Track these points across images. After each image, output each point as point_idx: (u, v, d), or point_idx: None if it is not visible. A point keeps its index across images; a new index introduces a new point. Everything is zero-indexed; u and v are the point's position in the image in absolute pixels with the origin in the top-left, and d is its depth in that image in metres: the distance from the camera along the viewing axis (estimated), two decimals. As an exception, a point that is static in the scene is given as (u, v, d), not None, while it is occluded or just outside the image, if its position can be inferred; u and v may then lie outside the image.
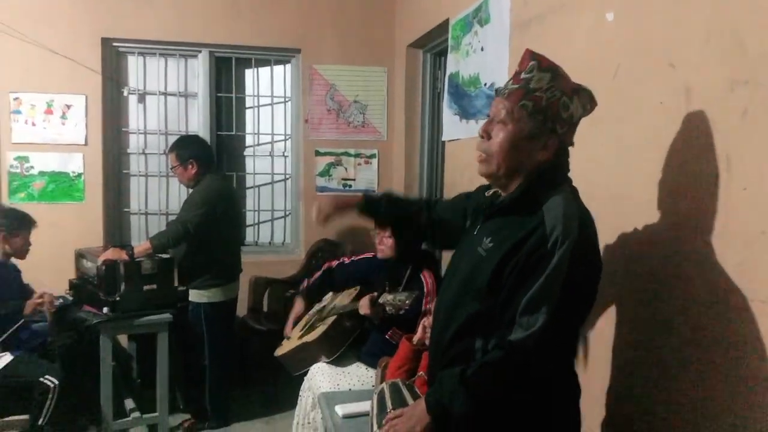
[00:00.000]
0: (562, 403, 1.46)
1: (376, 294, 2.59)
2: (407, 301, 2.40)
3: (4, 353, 3.09)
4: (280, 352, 3.00)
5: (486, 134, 1.46)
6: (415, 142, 4.24)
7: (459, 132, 3.27)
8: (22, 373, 3.04)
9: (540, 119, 1.39)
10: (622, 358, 1.77)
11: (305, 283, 3.11)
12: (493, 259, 1.40)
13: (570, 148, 1.48)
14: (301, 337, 2.89)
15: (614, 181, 1.83)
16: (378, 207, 1.85)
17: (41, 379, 3.00)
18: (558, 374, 1.43)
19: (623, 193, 1.78)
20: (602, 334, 1.82)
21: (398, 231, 1.93)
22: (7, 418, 3.08)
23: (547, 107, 1.39)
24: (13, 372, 3.02)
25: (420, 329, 2.05)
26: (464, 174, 3.19)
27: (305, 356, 2.85)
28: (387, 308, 2.47)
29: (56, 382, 3.01)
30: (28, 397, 3.04)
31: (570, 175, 1.50)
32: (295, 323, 3.10)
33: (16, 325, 3.11)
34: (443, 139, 3.57)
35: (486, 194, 1.57)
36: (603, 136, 1.86)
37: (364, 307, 2.62)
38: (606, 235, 1.76)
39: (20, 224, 3.30)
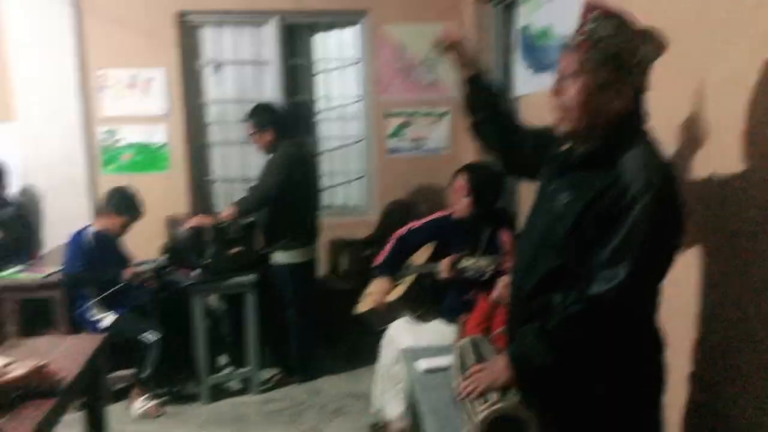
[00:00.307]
0: (645, 356, 1.46)
1: (456, 257, 2.59)
2: (489, 267, 2.40)
3: (108, 312, 3.36)
4: (362, 308, 3.08)
5: (558, 92, 1.45)
6: (487, 98, 4.18)
7: (532, 86, 3.21)
8: (127, 330, 3.29)
9: (611, 66, 1.37)
10: (708, 312, 1.74)
11: (379, 258, 3.11)
12: (571, 213, 1.40)
13: (648, 98, 1.44)
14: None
15: (698, 130, 1.76)
16: (486, 88, 1.81)
17: (143, 335, 3.26)
18: (640, 327, 1.43)
19: (707, 142, 1.72)
20: (687, 287, 1.79)
21: (482, 133, 1.84)
22: (115, 373, 3.36)
23: (616, 54, 1.36)
24: (119, 329, 3.28)
25: (499, 287, 2.07)
26: (539, 129, 3.14)
27: (388, 313, 2.92)
28: (468, 273, 2.49)
29: (157, 337, 3.26)
30: (132, 353, 3.30)
31: (650, 124, 1.46)
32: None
33: (116, 287, 3.34)
34: (516, 94, 3.51)
35: (562, 148, 1.55)
36: (686, 82, 1.78)
37: (444, 270, 2.63)
38: (688, 185, 1.71)
39: (116, 207, 3.47)
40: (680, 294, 1.76)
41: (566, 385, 1.44)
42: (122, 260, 3.53)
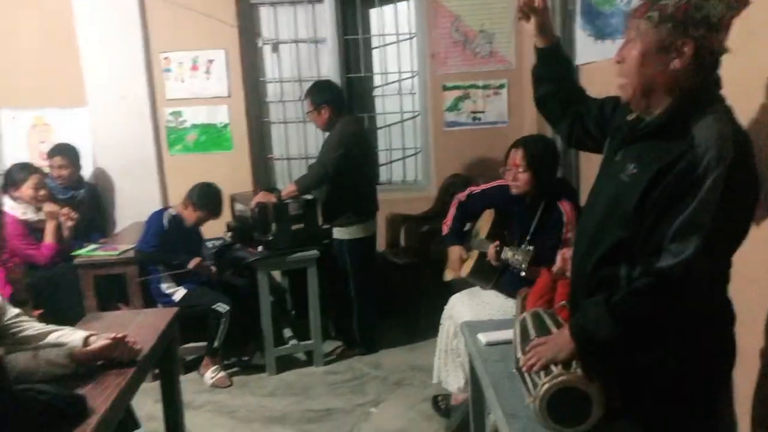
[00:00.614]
0: (714, 329, 1.42)
1: (499, 245, 2.61)
2: (523, 264, 2.43)
3: (179, 287, 3.50)
4: (447, 277, 3.11)
5: (621, 59, 1.43)
6: (547, 68, 4.07)
7: (594, 54, 3.11)
8: (198, 302, 3.45)
9: (669, 26, 1.32)
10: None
11: (445, 229, 3.10)
12: (639, 185, 1.37)
13: (722, 62, 1.38)
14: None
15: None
16: (560, 60, 1.78)
17: (214, 306, 3.40)
18: (709, 300, 1.39)
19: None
20: (759, 258, 1.72)
21: (548, 105, 1.81)
22: (186, 345, 3.52)
23: (674, 13, 1.32)
24: (190, 302, 3.43)
25: (559, 259, 2.04)
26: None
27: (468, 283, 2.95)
28: (510, 262, 2.51)
29: (227, 308, 3.39)
30: (203, 325, 3.44)
31: (723, 90, 1.40)
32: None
33: (183, 270, 3.49)
34: (576, 62, 3.41)
35: (627, 118, 1.51)
36: (763, 46, 1.69)
37: (491, 257, 2.65)
38: (764, 155, 1.63)
39: (196, 201, 3.55)
40: (750, 266, 1.70)
41: (631, 359, 1.42)
42: (195, 244, 3.66)
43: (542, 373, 1.44)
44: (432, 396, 3.10)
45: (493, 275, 2.79)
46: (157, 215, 3.56)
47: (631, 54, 1.38)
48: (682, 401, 1.41)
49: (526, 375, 1.50)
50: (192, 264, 3.46)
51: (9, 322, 1.93)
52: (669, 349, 1.39)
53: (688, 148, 1.29)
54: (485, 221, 2.95)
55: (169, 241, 3.48)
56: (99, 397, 1.69)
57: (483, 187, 3.05)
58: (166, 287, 3.51)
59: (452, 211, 3.07)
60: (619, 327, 1.36)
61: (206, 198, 3.54)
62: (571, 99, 1.77)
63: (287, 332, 3.86)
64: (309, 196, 3.61)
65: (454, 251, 3.00)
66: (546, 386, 1.39)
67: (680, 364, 1.39)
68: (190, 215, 3.56)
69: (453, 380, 2.82)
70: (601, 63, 3.00)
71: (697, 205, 1.26)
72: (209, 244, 3.79)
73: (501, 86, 4.44)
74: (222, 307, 3.40)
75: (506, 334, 1.96)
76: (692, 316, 1.36)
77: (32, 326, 1.96)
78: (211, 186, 3.62)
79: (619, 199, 1.43)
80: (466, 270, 2.85)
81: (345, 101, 3.83)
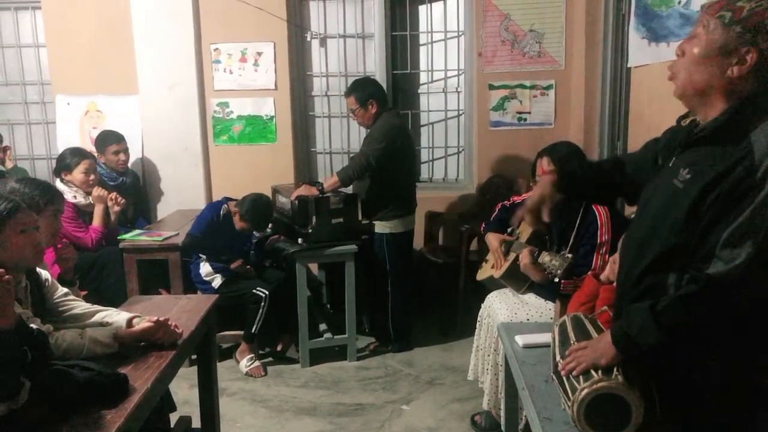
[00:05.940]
0: (764, 340, 1.37)
1: (534, 249, 2.58)
2: (559, 271, 2.40)
3: (216, 275, 3.56)
4: (481, 276, 3.10)
5: (681, 52, 1.39)
6: (597, 69, 4.01)
7: (647, 57, 3.04)
8: (237, 287, 3.51)
9: (737, 30, 1.28)
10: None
11: (483, 225, 3.09)
12: (692, 191, 1.33)
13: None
14: (492, 267, 2.96)
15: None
16: (576, 182, 1.79)
17: (254, 290, 3.46)
18: (760, 310, 1.34)
19: None
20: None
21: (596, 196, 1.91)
22: (223, 333, 3.58)
23: (747, 17, 1.28)
24: (228, 288, 3.49)
25: (609, 267, 2.01)
26: (652, 103, 2.98)
27: (499, 284, 2.92)
28: (545, 268, 2.48)
29: (266, 292, 3.45)
30: (240, 312, 3.50)
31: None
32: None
33: (224, 264, 3.57)
34: (629, 65, 3.34)
35: (681, 123, 1.49)
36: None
37: (523, 260, 2.61)
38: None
39: (243, 213, 3.56)
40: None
41: (674, 367, 1.39)
42: (243, 242, 3.73)
43: (581, 378, 1.42)
44: (470, 416, 3.00)
45: (525, 280, 2.77)
46: (216, 206, 3.64)
47: (692, 50, 1.35)
48: (726, 412, 1.36)
49: (564, 379, 1.47)
50: (234, 265, 3.55)
51: (58, 300, 1.99)
52: (715, 357, 1.35)
53: (746, 154, 1.26)
54: (526, 227, 2.92)
55: (220, 232, 3.55)
56: (140, 377, 1.73)
57: (524, 195, 3.03)
58: (205, 274, 3.57)
59: (494, 214, 3.08)
60: (664, 334, 1.33)
61: (252, 213, 3.56)
62: (611, 178, 1.75)
63: (322, 326, 3.88)
64: (350, 191, 3.63)
65: (495, 237, 2.93)
66: (585, 391, 1.37)
67: (727, 374, 1.35)
68: (237, 220, 3.62)
69: (488, 382, 2.77)
70: (653, 66, 2.94)
71: (753, 210, 1.23)
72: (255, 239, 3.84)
73: (548, 87, 4.38)
74: (262, 291, 3.46)
75: (544, 337, 1.94)
76: (741, 324, 1.32)
77: (79, 305, 2.02)
78: (260, 202, 3.61)
79: (671, 205, 1.39)
80: (500, 271, 2.83)
81: (387, 97, 3.83)
